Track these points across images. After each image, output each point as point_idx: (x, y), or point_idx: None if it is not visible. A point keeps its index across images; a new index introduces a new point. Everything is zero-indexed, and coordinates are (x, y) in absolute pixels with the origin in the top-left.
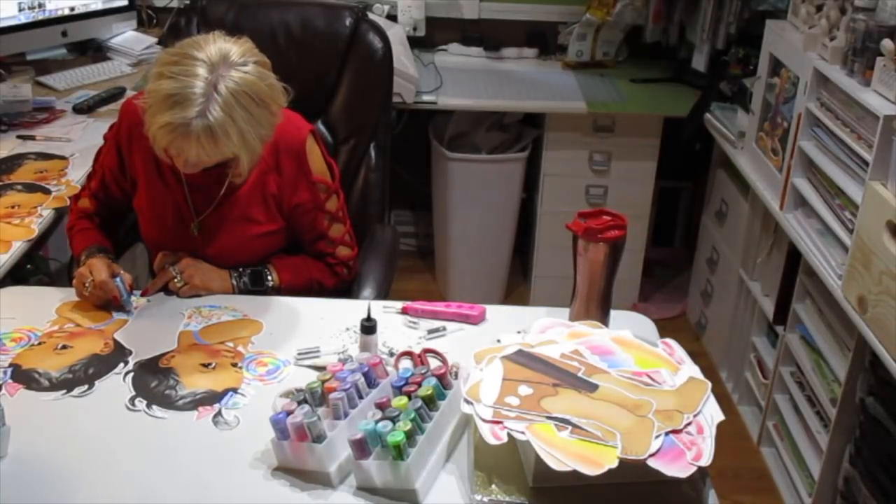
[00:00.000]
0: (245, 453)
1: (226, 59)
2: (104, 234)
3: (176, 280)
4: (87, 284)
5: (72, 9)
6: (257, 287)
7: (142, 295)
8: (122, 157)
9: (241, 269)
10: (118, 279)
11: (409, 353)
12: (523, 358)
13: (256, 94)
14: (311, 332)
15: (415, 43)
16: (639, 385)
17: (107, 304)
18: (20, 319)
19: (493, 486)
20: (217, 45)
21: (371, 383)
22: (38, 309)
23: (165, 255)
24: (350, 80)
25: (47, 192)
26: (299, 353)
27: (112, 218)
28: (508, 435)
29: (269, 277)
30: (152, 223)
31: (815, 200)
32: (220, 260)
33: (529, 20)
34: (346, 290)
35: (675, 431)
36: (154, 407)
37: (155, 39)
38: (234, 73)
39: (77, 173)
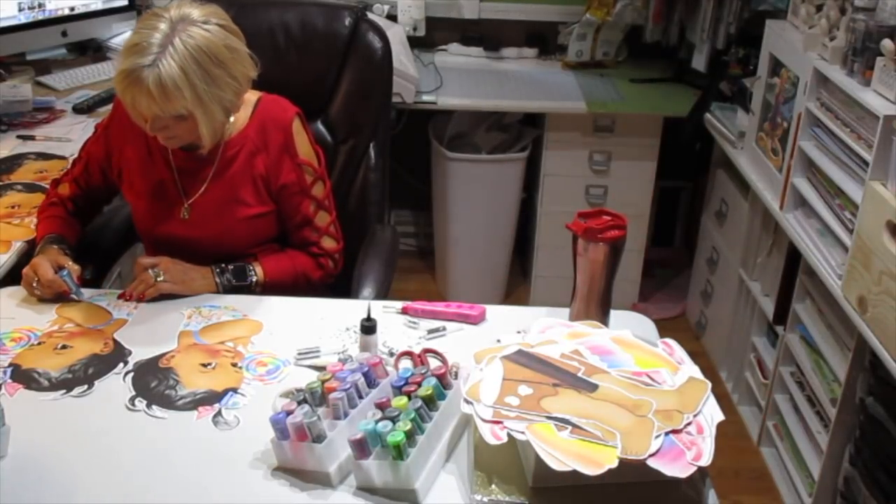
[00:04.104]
0: (245, 453)
1: (186, 18)
2: (70, 222)
3: (158, 279)
4: (34, 285)
5: (72, 9)
6: (241, 282)
7: (119, 297)
8: (111, 146)
9: (223, 265)
10: (64, 272)
11: (409, 353)
12: (523, 358)
13: (214, 54)
14: (311, 332)
15: (415, 43)
16: (639, 385)
17: (59, 296)
18: (20, 319)
19: (493, 486)
20: (183, 8)
21: (371, 383)
22: (38, 309)
23: (143, 258)
24: (350, 80)
25: (47, 192)
26: (299, 353)
27: (87, 207)
28: (508, 435)
29: (253, 272)
30: (144, 209)
31: (815, 200)
32: (212, 245)
33: (529, 20)
34: (345, 290)
35: (675, 431)
36: (154, 407)
37: None
38: (192, 29)
39: None
